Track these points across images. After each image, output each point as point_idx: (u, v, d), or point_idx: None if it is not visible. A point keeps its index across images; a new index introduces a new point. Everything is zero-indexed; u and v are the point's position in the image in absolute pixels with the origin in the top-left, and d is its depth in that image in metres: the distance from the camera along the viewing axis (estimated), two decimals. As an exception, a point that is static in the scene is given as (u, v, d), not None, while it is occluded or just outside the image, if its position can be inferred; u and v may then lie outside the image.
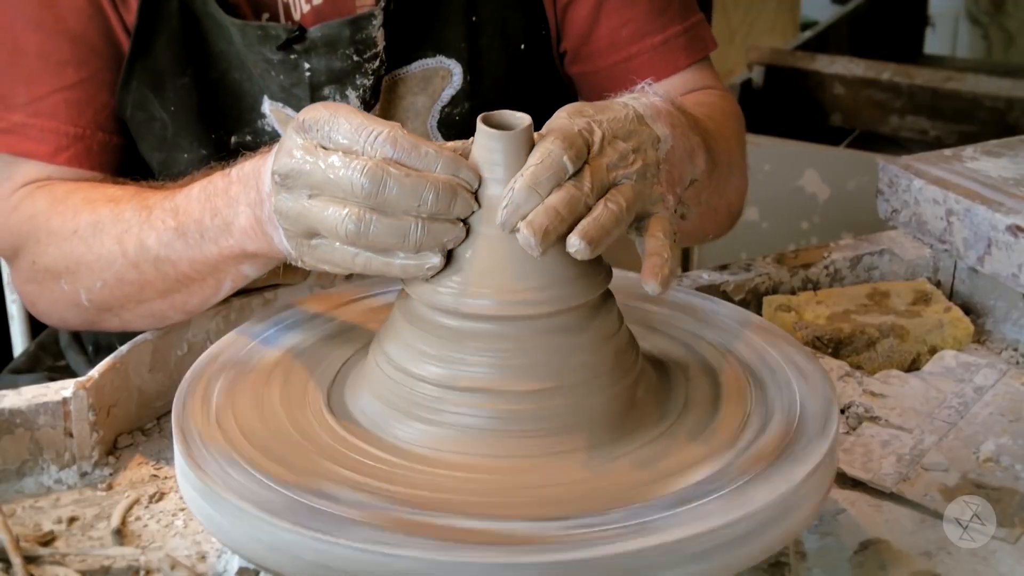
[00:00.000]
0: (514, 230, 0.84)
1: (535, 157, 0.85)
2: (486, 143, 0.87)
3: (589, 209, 0.86)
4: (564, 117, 0.89)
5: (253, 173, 0.98)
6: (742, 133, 1.31)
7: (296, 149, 0.89)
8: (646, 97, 0.95)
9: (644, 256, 0.89)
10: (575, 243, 0.84)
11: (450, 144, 0.90)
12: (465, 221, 0.87)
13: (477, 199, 0.86)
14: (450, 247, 0.87)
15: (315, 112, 0.89)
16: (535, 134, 0.88)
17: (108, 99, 1.25)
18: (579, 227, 0.84)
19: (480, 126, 0.87)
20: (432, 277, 0.88)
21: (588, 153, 0.87)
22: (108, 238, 1.11)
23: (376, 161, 0.85)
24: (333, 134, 0.87)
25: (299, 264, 0.95)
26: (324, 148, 0.88)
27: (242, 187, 0.99)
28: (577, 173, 0.86)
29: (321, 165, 0.87)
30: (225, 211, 1.01)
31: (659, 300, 1.05)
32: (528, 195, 0.84)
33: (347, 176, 0.85)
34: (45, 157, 1.23)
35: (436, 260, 0.86)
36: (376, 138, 0.86)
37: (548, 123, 0.90)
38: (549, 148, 0.85)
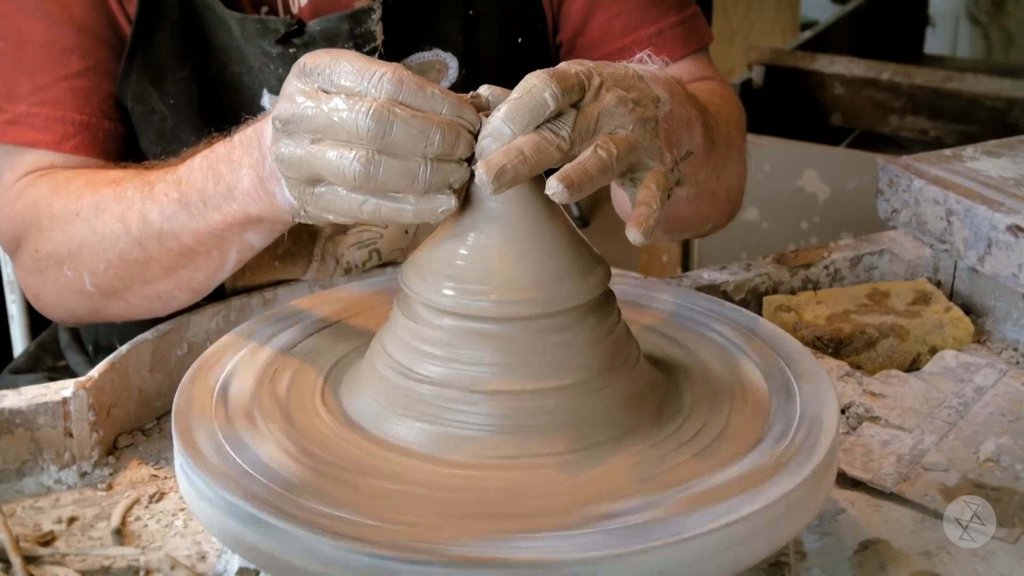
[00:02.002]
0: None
1: (516, 91, 0.85)
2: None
3: (564, 154, 0.84)
4: (564, 63, 0.88)
5: (255, 133, 0.98)
6: (742, 120, 1.30)
7: (298, 94, 0.88)
8: (647, 66, 0.95)
9: (633, 205, 0.88)
10: (553, 186, 0.83)
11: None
12: (468, 196, 0.86)
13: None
14: (456, 186, 0.86)
15: (316, 57, 0.88)
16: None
17: (113, 88, 1.25)
18: (561, 170, 0.84)
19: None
20: (432, 276, 0.88)
21: (582, 98, 0.86)
22: (111, 217, 1.11)
23: (382, 102, 0.84)
24: (335, 77, 0.86)
25: (301, 217, 0.93)
26: (326, 92, 0.87)
27: (244, 150, 0.99)
28: (561, 116, 0.85)
29: (324, 108, 0.86)
30: (228, 176, 1.00)
31: (660, 301, 1.05)
32: (500, 128, 0.83)
33: (352, 118, 0.84)
34: (50, 145, 1.23)
35: (451, 202, 0.85)
36: (381, 79, 0.85)
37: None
38: (532, 83, 0.84)
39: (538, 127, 0.84)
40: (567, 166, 0.84)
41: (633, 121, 0.88)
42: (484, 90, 0.88)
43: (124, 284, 1.13)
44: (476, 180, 0.83)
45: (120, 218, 1.10)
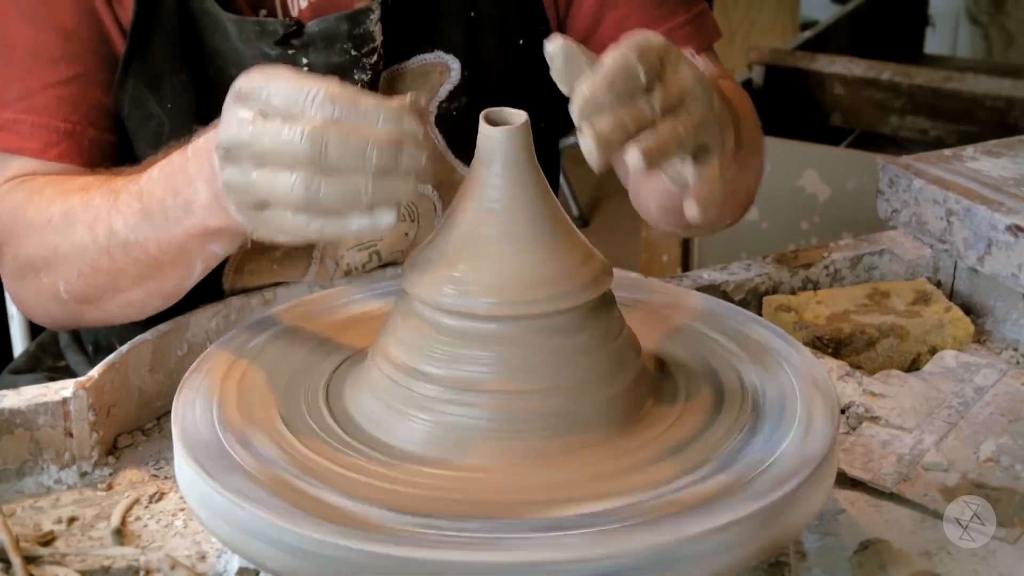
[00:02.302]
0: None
1: (610, 59, 0.84)
2: (486, 137, 0.87)
3: (653, 126, 0.84)
4: (642, 32, 0.87)
5: (205, 148, 0.97)
6: (757, 117, 1.31)
7: (236, 121, 0.87)
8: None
9: (696, 182, 0.88)
10: (633, 155, 0.83)
11: (397, 98, 0.87)
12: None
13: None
14: (404, 201, 0.85)
15: (251, 80, 0.88)
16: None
17: (101, 97, 1.25)
18: (640, 140, 0.83)
19: (481, 122, 0.87)
20: (432, 276, 0.88)
21: (663, 69, 0.86)
22: (80, 226, 1.11)
23: (315, 123, 0.84)
24: (271, 99, 0.86)
25: (255, 237, 0.93)
26: (264, 115, 0.86)
27: (197, 164, 0.98)
28: (651, 89, 0.85)
29: (261, 133, 0.85)
30: (184, 190, 1.00)
31: (661, 301, 1.05)
32: (606, 92, 0.82)
33: (289, 141, 0.84)
34: (35, 153, 1.23)
35: (390, 218, 0.85)
36: (314, 98, 0.84)
37: (626, 37, 0.87)
38: (625, 54, 0.84)
39: (632, 98, 0.84)
40: (645, 136, 0.83)
41: (704, 101, 0.88)
42: (557, 43, 0.85)
43: (97, 293, 1.13)
44: (583, 147, 0.82)
45: (88, 227, 1.10)
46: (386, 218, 0.85)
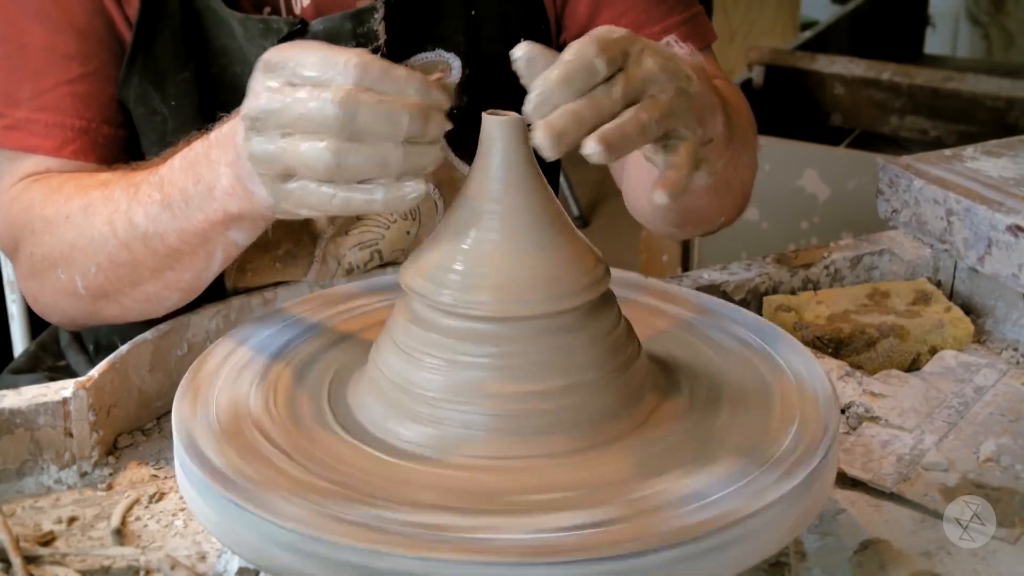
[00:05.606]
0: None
1: (568, 54, 0.84)
2: (487, 133, 0.87)
3: (614, 117, 0.84)
4: (605, 27, 0.87)
5: (230, 131, 0.98)
6: (752, 116, 1.31)
7: (264, 90, 0.88)
8: (671, 49, 0.95)
9: (662, 168, 0.88)
10: (591, 147, 0.82)
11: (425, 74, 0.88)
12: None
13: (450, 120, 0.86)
14: (430, 169, 0.86)
15: (281, 51, 0.88)
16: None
17: (114, 92, 1.25)
18: (599, 130, 0.83)
19: (484, 116, 0.87)
20: (433, 276, 0.87)
21: (625, 61, 0.86)
22: (99, 220, 1.11)
23: (347, 89, 0.84)
24: (300, 69, 0.86)
25: (278, 213, 0.93)
26: (292, 85, 0.86)
27: (221, 149, 0.99)
28: (609, 80, 0.84)
29: (290, 101, 0.86)
30: (207, 175, 1.00)
31: (662, 301, 1.05)
32: (560, 88, 0.82)
33: (319, 108, 0.84)
34: (50, 151, 1.23)
35: (420, 187, 0.85)
36: (345, 66, 0.85)
37: (590, 31, 0.88)
38: (583, 49, 0.84)
39: (591, 90, 0.83)
40: (605, 126, 0.83)
41: (672, 88, 0.88)
42: (522, 48, 0.85)
43: (115, 286, 1.14)
44: (535, 141, 0.82)
45: (108, 220, 1.10)
46: (415, 188, 0.85)
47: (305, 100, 0.85)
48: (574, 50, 0.84)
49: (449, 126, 0.86)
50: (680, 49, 0.96)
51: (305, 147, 0.86)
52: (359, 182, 0.87)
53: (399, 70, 0.85)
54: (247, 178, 0.95)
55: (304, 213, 0.91)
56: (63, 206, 1.16)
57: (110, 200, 1.11)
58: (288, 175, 0.89)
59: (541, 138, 0.82)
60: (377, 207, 0.87)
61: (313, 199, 0.88)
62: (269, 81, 0.88)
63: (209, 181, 1.00)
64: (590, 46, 0.84)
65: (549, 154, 0.82)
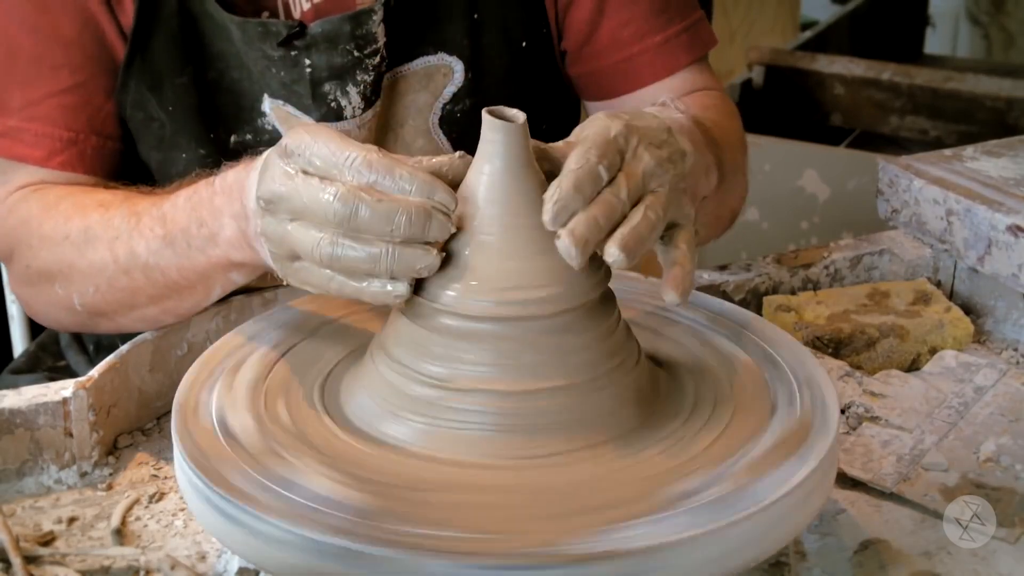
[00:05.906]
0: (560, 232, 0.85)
1: (573, 162, 0.86)
2: (488, 134, 0.87)
3: (624, 217, 0.87)
4: (601, 119, 0.90)
5: (236, 185, 1.00)
6: (743, 135, 1.31)
7: (279, 175, 0.90)
8: (669, 112, 0.98)
9: (667, 265, 0.91)
10: (613, 252, 0.85)
11: (435, 160, 0.90)
12: (460, 229, 0.87)
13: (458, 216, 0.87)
14: (424, 274, 0.87)
15: (297, 137, 0.90)
16: (566, 141, 0.89)
17: (103, 103, 1.25)
18: (616, 236, 0.86)
19: (484, 115, 0.87)
20: (433, 276, 0.88)
21: (622, 160, 0.88)
22: (100, 244, 1.12)
23: (350, 187, 0.86)
24: (313, 159, 0.89)
25: (285, 283, 0.96)
26: (306, 173, 0.89)
27: (225, 198, 1.01)
28: (613, 180, 0.87)
29: (300, 190, 0.88)
30: (211, 222, 1.02)
31: (661, 300, 1.05)
32: (575, 196, 0.85)
33: (323, 201, 0.87)
34: (39, 161, 1.23)
35: (403, 289, 0.88)
36: (352, 162, 0.87)
37: (583, 125, 0.91)
38: (586, 156, 0.86)
39: (599, 194, 0.86)
40: (621, 232, 0.86)
41: (669, 178, 0.90)
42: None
43: (112, 308, 1.14)
44: (562, 252, 0.85)
45: (108, 246, 1.11)
46: (399, 288, 0.88)
47: (313, 191, 0.88)
48: (578, 158, 0.87)
49: (453, 229, 0.87)
50: (675, 111, 0.99)
51: (309, 235, 0.89)
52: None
53: (404, 169, 0.87)
54: (254, 238, 0.98)
55: (308, 289, 0.94)
56: (62, 226, 1.16)
57: (110, 226, 1.12)
58: (294, 256, 0.92)
59: (568, 247, 0.84)
60: (365, 298, 0.90)
61: (314, 279, 0.92)
62: (285, 166, 0.90)
63: (212, 228, 1.02)
64: (592, 152, 0.87)
65: (576, 263, 0.85)
